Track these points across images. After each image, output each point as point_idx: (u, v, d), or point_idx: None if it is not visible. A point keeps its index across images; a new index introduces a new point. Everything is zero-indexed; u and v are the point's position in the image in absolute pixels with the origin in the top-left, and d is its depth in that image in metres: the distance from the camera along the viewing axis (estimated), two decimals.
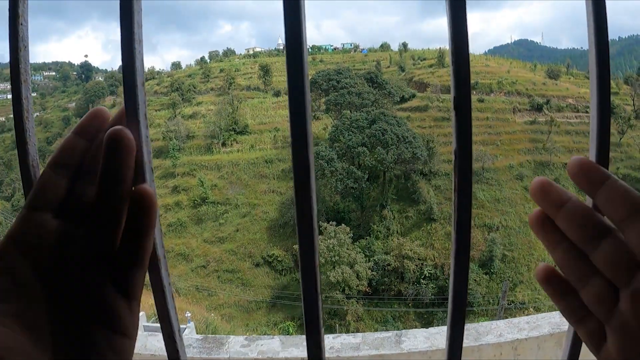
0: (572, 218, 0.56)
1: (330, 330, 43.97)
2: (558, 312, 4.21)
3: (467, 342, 3.75)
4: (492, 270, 52.50)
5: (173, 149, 71.41)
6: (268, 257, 56.71)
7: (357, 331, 44.11)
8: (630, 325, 0.46)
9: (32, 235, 0.48)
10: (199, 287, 54.62)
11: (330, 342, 3.85)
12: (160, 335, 3.61)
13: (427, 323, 47.30)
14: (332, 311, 46.32)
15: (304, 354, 3.81)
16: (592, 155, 0.71)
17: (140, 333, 4.37)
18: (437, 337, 3.84)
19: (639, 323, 0.46)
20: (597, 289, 0.51)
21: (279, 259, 56.24)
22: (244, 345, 4.05)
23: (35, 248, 0.46)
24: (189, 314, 23.72)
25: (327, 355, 3.72)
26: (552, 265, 0.62)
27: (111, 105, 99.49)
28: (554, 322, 3.98)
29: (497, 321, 4.07)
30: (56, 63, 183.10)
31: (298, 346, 3.85)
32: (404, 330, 3.94)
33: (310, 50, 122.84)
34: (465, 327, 3.20)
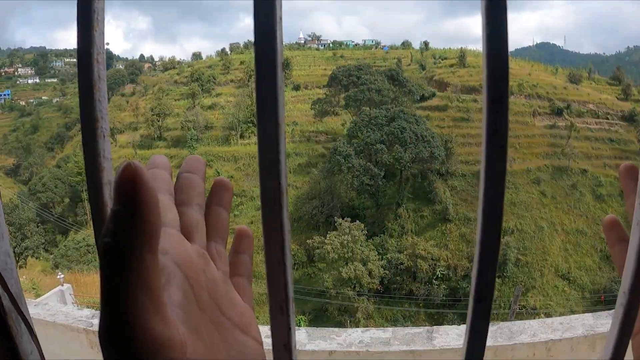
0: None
1: (340, 327, 43.97)
2: (591, 314, 4.13)
3: (500, 341, 3.68)
4: (505, 274, 52.27)
5: (191, 139, 71.66)
6: None
7: (377, 327, 44.08)
8: None
9: (181, 250, 0.50)
10: None
11: (360, 335, 3.77)
12: None
13: (437, 324, 46.83)
14: (343, 307, 46.30)
15: (332, 347, 3.74)
16: None
17: None
18: None
19: None
20: None
21: (292, 252, 56.15)
22: (268, 335, 3.98)
23: (185, 263, 0.49)
24: None
25: (356, 349, 3.65)
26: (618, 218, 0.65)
27: (131, 93, 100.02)
28: (587, 324, 3.89)
29: (530, 320, 3.98)
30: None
31: (325, 339, 3.78)
32: (435, 327, 3.86)
33: (331, 45, 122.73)
34: (499, 325, 3.09)
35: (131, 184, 0.35)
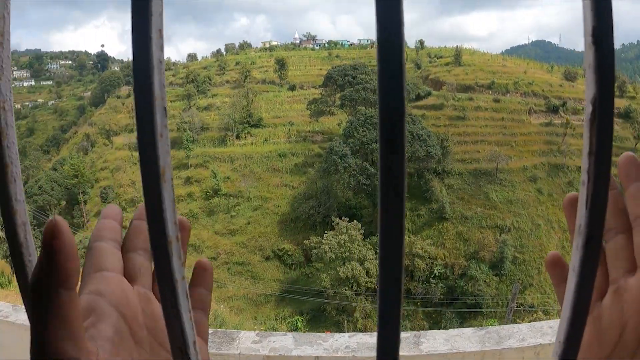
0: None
1: (338, 326, 44.00)
2: None
3: (488, 346, 3.64)
4: (502, 272, 52.35)
5: (187, 140, 71.57)
6: (278, 250, 56.83)
7: (365, 328, 44.07)
8: (602, 319, 0.50)
9: (117, 292, 0.55)
10: None
11: (347, 340, 3.74)
12: None
13: (435, 323, 47.23)
14: (341, 307, 46.31)
15: (318, 352, 3.70)
16: None
17: None
18: (457, 339, 3.71)
19: (609, 319, 0.49)
20: None
21: (289, 253, 56.33)
22: (255, 341, 3.94)
23: (121, 302, 0.53)
24: None
25: (342, 354, 3.61)
26: (561, 255, 0.67)
27: (126, 95, 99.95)
28: None
29: (519, 325, 3.94)
30: (72, 52, 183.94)
31: (312, 344, 3.74)
32: (422, 331, 3.82)
33: (326, 45, 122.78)
34: (487, 330, 3.04)
35: (50, 236, 0.42)
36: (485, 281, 51.14)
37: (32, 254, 0.48)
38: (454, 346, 3.63)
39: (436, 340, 3.71)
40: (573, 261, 0.43)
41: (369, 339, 3.75)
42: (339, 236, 46.41)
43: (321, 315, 47.57)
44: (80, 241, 48.61)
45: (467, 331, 3.85)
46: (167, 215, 0.37)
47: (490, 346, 3.62)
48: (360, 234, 47.80)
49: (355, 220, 49.12)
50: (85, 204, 70.72)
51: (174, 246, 0.38)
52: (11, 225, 0.45)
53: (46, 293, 0.42)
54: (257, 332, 4.08)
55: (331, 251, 45.74)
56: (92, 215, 68.92)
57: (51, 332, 0.42)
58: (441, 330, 3.86)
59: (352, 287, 45.92)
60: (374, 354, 2.89)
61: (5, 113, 0.40)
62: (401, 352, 2.73)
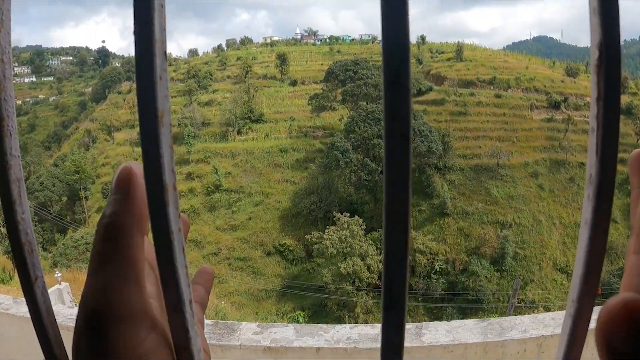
0: None
1: (339, 322, 43.96)
2: None
3: (490, 337, 3.62)
4: (503, 268, 52.33)
5: (188, 136, 71.50)
6: (279, 246, 56.80)
7: (366, 324, 44.11)
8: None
9: (153, 256, 0.49)
10: None
11: (348, 332, 3.72)
12: None
13: (436, 318, 47.16)
14: (342, 303, 46.34)
15: (320, 343, 3.69)
16: None
17: None
18: (459, 330, 3.70)
19: None
20: None
21: (290, 248, 56.31)
22: (256, 332, 3.93)
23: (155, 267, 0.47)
24: None
25: (344, 345, 3.59)
26: None
27: (127, 91, 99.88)
28: None
29: (521, 316, 3.92)
30: (74, 48, 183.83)
31: (313, 335, 3.73)
32: (424, 323, 3.80)
33: (327, 40, 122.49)
34: (489, 322, 3.02)
35: (127, 177, 0.41)
36: (486, 277, 51.13)
37: (25, 211, 0.47)
38: (455, 337, 3.62)
39: (438, 331, 3.69)
40: (585, 213, 0.41)
41: (370, 330, 3.74)
42: (340, 231, 46.39)
43: (322, 311, 47.58)
44: (82, 237, 48.63)
45: (469, 322, 3.84)
46: (164, 160, 0.36)
47: (492, 337, 3.61)
48: (362, 229, 47.79)
49: (356, 216, 49.10)
50: (87, 200, 70.72)
51: (170, 194, 0.36)
52: (5, 180, 0.44)
53: (121, 234, 0.41)
54: (258, 323, 4.07)
55: (332, 247, 45.73)
56: (93, 211, 68.93)
57: (120, 272, 0.40)
58: (443, 322, 3.85)
59: (353, 282, 45.94)
60: (375, 345, 2.90)
61: (4, 65, 0.40)
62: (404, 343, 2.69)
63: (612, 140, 0.40)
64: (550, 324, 3.78)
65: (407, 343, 3.51)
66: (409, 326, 3.73)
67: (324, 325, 3.88)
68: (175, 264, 0.35)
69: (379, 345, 2.94)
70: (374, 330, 3.73)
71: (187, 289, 0.36)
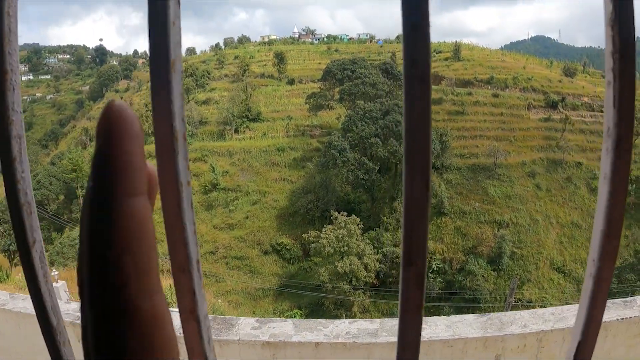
0: None
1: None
2: None
3: (490, 332, 3.61)
4: (500, 267, 52.38)
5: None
6: (277, 245, 56.76)
7: (365, 319, 44.12)
8: None
9: None
10: (207, 273, 54.75)
11: (347, 327, 3.71)
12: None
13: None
14: (339, 301, 46.34)
15: (319, 338, 3.66)
16: None
17: None
18: (458, 325, 3.68)
19: None
20: None
21: (287, 247, 56.28)
22: (254, 327, 3.91)
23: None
24: None
25: (343, 340, 3.57)
26: None
27: (125, 89, 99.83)
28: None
29: (521, 311, 3.91)
30: (71, 46, 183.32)
31: (312, 330, 3.71)
32: (424, 318, 3.78)
33: (325, 39, 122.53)
34: (489, 316, 3.00)
35: (107, 119, 0.38)
36: (483, 276, 51.17)
37: (26, 170, 0.45)
38: (455, 332, 3.60)
39: (438, 326, 3.68)
40: (603, 167, 0.39)
41: (369, 325, 3.72)
42: (338, 230, 46.40)
43: (319, 310, 47.54)
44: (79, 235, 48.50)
45: (469, 317, 3.82)
46: (174, 107, 0.33)
47: (492, 332, 3.59)
48: (359, 228, 47.82)
49: (353, 215, 49.12)
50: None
51: (180, 144, 0.35)
52: (5, 136, 0.43)
53: (107, 202, 0.34)
54: (256, 318, 4.05)
55: (329, 245, 45.73)
56: None
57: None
58: (443, 317, 3.83)
59: (350, 281, 45.96)
60: (374, 340, 2.87)
61: (9, 18, 0.38)
62: None
63: (629, 92, 0.36)
64: (550, 319, 3.77)
65: None
66: None
67: (323, 320, 3.87)
68: (184, 220, 0.33)
69: (378, 340, 2.93)
70: (373, 326, 3.72)
71: (196, 248, 0.34)
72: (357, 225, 47.61)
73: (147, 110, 79.85)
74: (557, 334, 3.69)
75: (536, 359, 3.74)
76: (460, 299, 49.38)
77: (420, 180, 0.36)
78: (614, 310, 3.88)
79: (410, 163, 0.36)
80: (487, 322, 3.70)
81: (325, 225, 48.88)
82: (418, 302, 0.43)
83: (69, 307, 4.65)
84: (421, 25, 0.36)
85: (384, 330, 3.62)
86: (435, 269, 51.39)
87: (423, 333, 3.00)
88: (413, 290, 0.42)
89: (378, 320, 3.77)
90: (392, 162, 56.36)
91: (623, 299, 4.05)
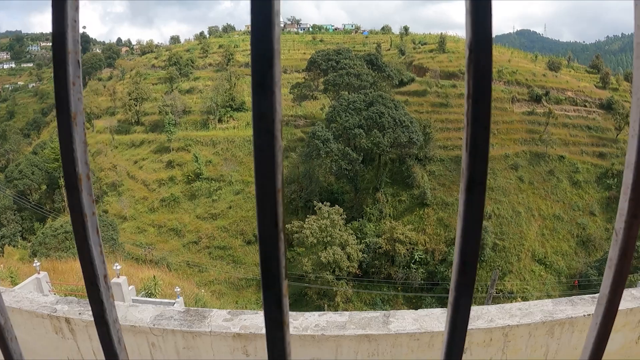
0: None
1: (319, 310, 44.07)
2: (550, 300, 4.12)
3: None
4: (482, 259, 52.67)
5: (169, 124, 71.10)
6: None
7: (335, 311, 44.26)
8: None
9: None
10: (190, 262, 54.69)
11: (316, 319, 3.75)
12: (141, 306, 3.45)
13: (415, 308, 47.32)
14: (322, 291, 46.45)
15: (289, 331, 3.71)
16: None
17: (123, 304, 4.26)
18: (425, 319, 3.73)
19: None
20: None
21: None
22: (226, 319, 3.94)
23: None
24: (179, 289, 23.55)
25: (312, 332, 3.61)
26: None
27: (108, 77, 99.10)
28: (546, 310, 3.88)
29: (488, 306, 3.96)
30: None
31: None
32: (392, 311, 3.83)
33: (310, 29, 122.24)
34: None
35: None
36: None
37: None
38: (422, 326, 3.65)
39: (405, 319, 3.73)
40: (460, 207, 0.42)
41: (338, 318, 3.76)
42: (321, 221, 46.45)
43: (302, 300, 47.65)
44: (62, 225, 48.26)
45: (436, 311, 3.87)
46: (77, 154, 0.38)
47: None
48: (342, 218, 47.90)
49: (337, 205, 49.19)
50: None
51: (84, 183, 0.38)
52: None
53: None
54: (228, 310, 4.08)
55: (313, 236, 45.78)
56: None
57: None
58: (410, 310, 3.88)
59: (333, 271, 46.08)
60: (342, 332, 2.93)
61: None
62: (370, 331, 2.77)
63: (482, 137, 0.38)
64: (517, 314, 3.83)
65: (374, 330, 3.55)
66: (376, 314, 3.77)
67: (294, 313, 3.90)
68: (90, 243, 0.37)
69: (346, 333, 2.99)
70: (341, 318, 3.76)
71: (103, 265, 0.39)
72: (340, 215, 47.68)
73: (130, 99, 79.40)
74: (523, 329, 3.75)
75: (502, 353, 3.80)
76: (442, 290, 49.65)
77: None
78: (581, 307, 3.95)
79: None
80: None
81: (308, 216, 48.91)
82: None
83: (46, 300, 4.66)
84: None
85: (352, 323, 3.66)
86: (417, 259, 51.61)
87: (390, 326, 3.06)
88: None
89: (347, 313, 3.81)
90: (375, 153, 56.41)
91: (591, 295, 4.12)
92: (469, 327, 3.64)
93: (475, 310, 3.86)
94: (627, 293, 4.17)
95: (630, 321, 3.98)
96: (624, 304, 3.98)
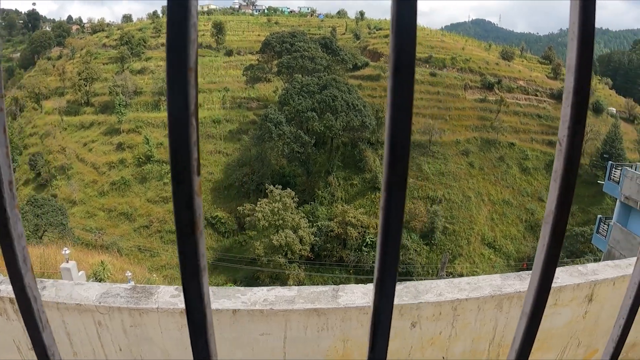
0: None
1: None
2: (499, 274, 4.15)
3: (405, 300, 3.64)
4: (432, 242, 53.39)
5: (119, 105, 69.86)
6: (211, 218, 56.36)
7: (283, 286, 44.40)
8: None
9: None
10: (141, 247, 54.08)
11: (265, 294, 3.69)
12: (87, 284, 3.33)
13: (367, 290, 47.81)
14: (274, 275, 46.51)
15: (236, 306, 3.64)
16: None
17: (69, 282, 4.14)
18: (369, 293, 3.71)
19: None
20: None
21: (222, 220, 55.99)
22: (174, 295, 3.86)
23: None
24: (130, 274, 23.27)
25: (260, 307, 3.56)
26: None
27: (57, 57, 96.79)
28: (495, 285, 3.90)
29: (437, 280, 3.96)
30: (1, 10, 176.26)
31: (230, 297, 3.68)
32: (341, 285, 3.80)
33: (266, 11, 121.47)
34: (405, 285, 3.02)
35: None
36: (416, 250, 52.07)
37: None
38: (371, 299, 3.63)
39: (354, 293, 3.70)
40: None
41: (287, 292, 3.72)
42: (273, 204, 46.37)
43: (255, 283, 47.58)
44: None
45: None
46: None
47: (407, 300, 3.63)
48: (294, 201, 47.93)
49: (288, 188, 49.17)
50: (14, 172, 68.29)
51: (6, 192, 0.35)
52: None
53: None
54: (175, 286, 4.00)
55: (264, 219, 45.69)
56: (20, 184, 66.80)
57: None
58: (360, 285, 3.85)
59: (285, 254, 46.13)
60: (291, 306, 2.86)
61: None
62: (319, 305, 2.71)
63: (403, 144, 0.38)
64: (466, 288, 3.83)
65: (323, 305, 3.51)
66: (326, 288, 3.73)
67: (242, 288, 3.84)
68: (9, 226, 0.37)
69: (295, 307, 2.93)
70: (290, 293, 3.71)
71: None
72: (292, 198, 47.69)
73: (80, 79, 77.72)
74: (472, 303, 3.76)
75: (452, 327, 3.81)
76: None
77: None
78: (511, 284, 3.98)
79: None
80: (402, 290, 3.73)
81: (260, 199, 48.80)
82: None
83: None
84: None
85: (301, 297, 3.62)
86: (369, 242, 51.95)
87: (339, 300, 3.01)
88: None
89: (296, 287, 3.76)
90: (327, 136, 56.46)
91: (517, 273, 4.16)
92: (418, 300, 3.63)
93: (424, 284, 3.86)
94: (574, 269, 4.22)
95: (577, 296, 4.03)
96: (570, 280, 4.04)
